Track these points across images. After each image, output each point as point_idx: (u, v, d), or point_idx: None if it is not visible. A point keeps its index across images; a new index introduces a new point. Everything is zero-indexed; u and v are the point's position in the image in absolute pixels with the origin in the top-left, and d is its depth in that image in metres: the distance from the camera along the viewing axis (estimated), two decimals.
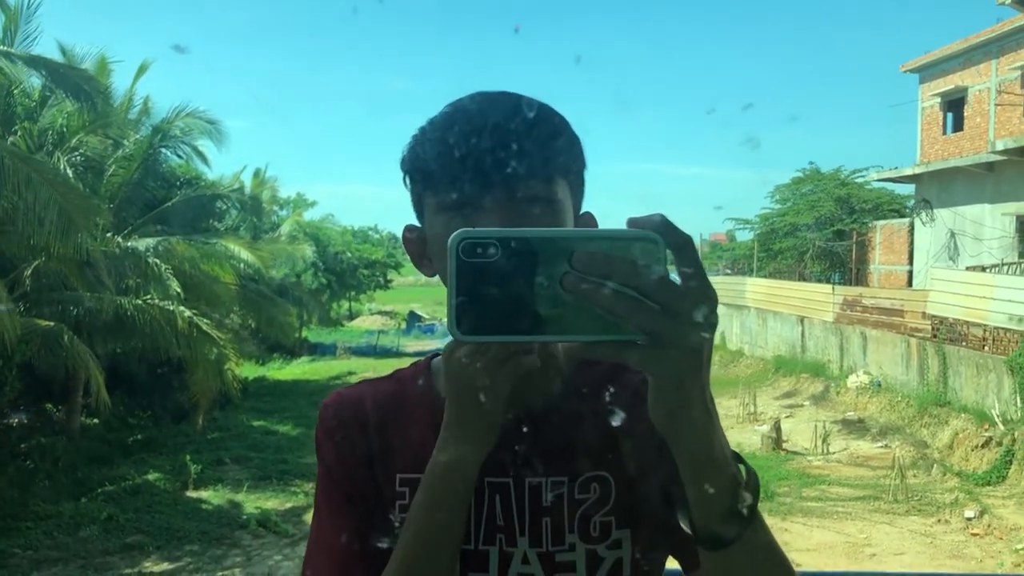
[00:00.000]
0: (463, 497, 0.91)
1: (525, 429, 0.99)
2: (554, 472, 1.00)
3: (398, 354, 31.20)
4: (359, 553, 0.99)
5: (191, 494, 13.94)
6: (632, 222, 0.69)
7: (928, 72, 25.21)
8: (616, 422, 1.01)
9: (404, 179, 1.01)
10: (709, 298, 0.69)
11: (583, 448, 1.00)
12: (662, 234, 0.68)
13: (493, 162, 0.89)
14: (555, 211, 0.93)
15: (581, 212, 1.00)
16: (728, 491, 0.77)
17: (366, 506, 1.01)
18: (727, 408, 19.77)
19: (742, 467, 0.79)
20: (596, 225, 1.00)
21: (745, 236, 38.48)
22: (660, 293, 0.67)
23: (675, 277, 0.69)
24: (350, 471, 1.03)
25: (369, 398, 1.06)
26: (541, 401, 1.01)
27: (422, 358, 1.12)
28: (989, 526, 11.33)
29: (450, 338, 0.76)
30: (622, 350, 0.69)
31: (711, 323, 0.69)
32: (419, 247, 1.01)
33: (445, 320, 0.71)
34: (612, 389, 1.04)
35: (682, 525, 0.82)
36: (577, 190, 0.98)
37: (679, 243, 0.68)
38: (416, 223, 1.02)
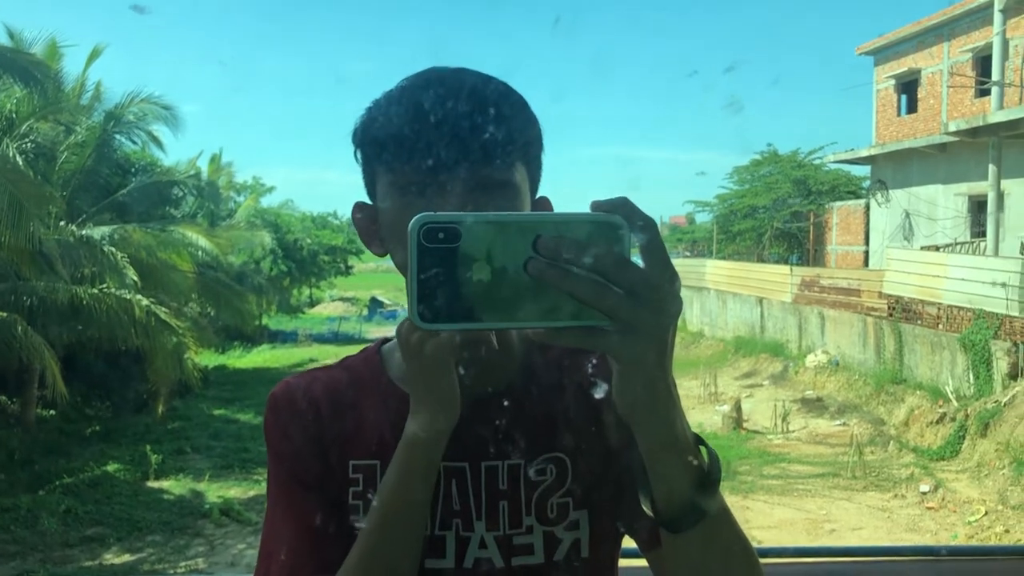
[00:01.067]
0: (429, 474, 0.90)
1: (480, 413, 0.98)
2: (510, 455, 0.99)
3: (360, 340, 31.00)
4: (315, 540, 0.98)
5: (152, 484, 13.80)
6: (596, 205, 0.68)
7: (882, 55, 25.54)
8: (570, 403, 1.01)
9: (355, 153, 0.98)
10: (673, 282, 0.69)
11: (538, 430, 1.00)
12: (626, 217, 0.68)
13: (455, 143, 0.87)
14: (514, 195, 0.92)
15: (537, 196, 0.99)
16: (690, 474, 0.77)
17: (320, 493, 0.99)
18: (688, 389, 19.96)
19: (703, 449, 0.79)
20: (551, 209, 0.99)
21: (704, 218, 38.79)
22: (625, 277, 0.66)
23: (637, 260, 0.69)
24: (302, 459, 1.01)
25: (319, 386, 1.04)
26: (496, 385, 1.00)
27: (373, 344, 1.11)
28: (943, 500, 11.60)
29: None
30: (588, 336, 0.69)
31: (675, 307, 0.69)
32: (370, 226, 0.99)
33: (406, 306, 0.70)
34: (566, 371, 1.03)
35: (644, 507, 0.82)
36: (535, 174, 0.97)
37: (643, 226, 0.68)
38: (366, 200, 1.00)
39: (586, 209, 0.68)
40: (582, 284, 0.66)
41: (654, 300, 0.67)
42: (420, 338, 0.85)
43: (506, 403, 1.00)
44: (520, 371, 1.03)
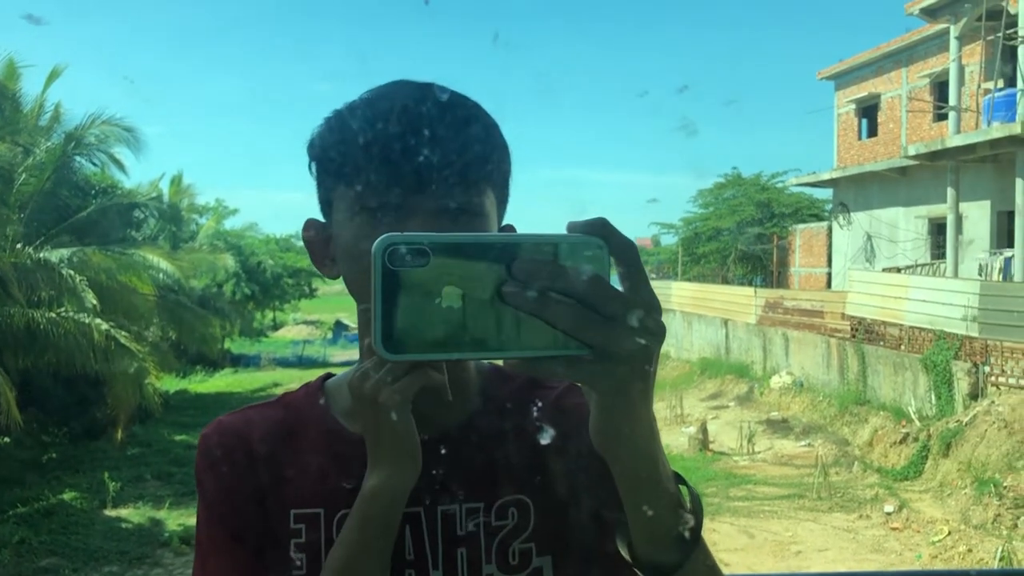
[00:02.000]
0: (389, 530, 0.84)
1: (435, 453, 0.90)
2: (469, 498, 0.92)
3: (324, 364, 30.77)
4: None
5: (110, 513, 13.49)
6: (573, 226, 0.63)
7: (843, 79, 25.98)
8: (534, 441, 0.94)
9: (310, 166, 0.91)
10: (655, 306, 0.64)
11: (499, 471, 0.93)
12: (605, 239, 0.63)
13: (424, 165, 0.82)
14: (483, 222, 0.86)
15: (503, 223, 0.93)
16: (671, 513, 0.72)
17: (255, 544, 0.91)
18: (654, 410, 19.99)
19: (684, 488, 0.75)
20: None
21: (669, 240, 39.13)
22: (605, 303, 0.61)
23: (616, 283, 0.64)
24: (236, 507, 0.93)
25: (256, 426, 0.96)
26: (452, 422, 0.94)
27: (315, 379, 1.02)
28: (907, 520, 11.67)
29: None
30: (567, 366, 0.63)
31: (659, 333, 0.64)
32: (322, 246, 0.92)
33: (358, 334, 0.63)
34: (529, 405, 0.97)
35: (621, 551, 0.76)
36: (502, 200, 0.91)
37: (622, 249, 0.63)
38: (319, 217, 0.93)
39: (560, 231, 0.64)
40: (560, 310, 0.61)
41: (637, 327, 0.62)
42: (374, 387, 0.78)
43: (464, 442, 0.93)
44: (480, 405, 0.96)
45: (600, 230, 0.63)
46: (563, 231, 0.64)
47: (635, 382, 0.64)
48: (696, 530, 0.74)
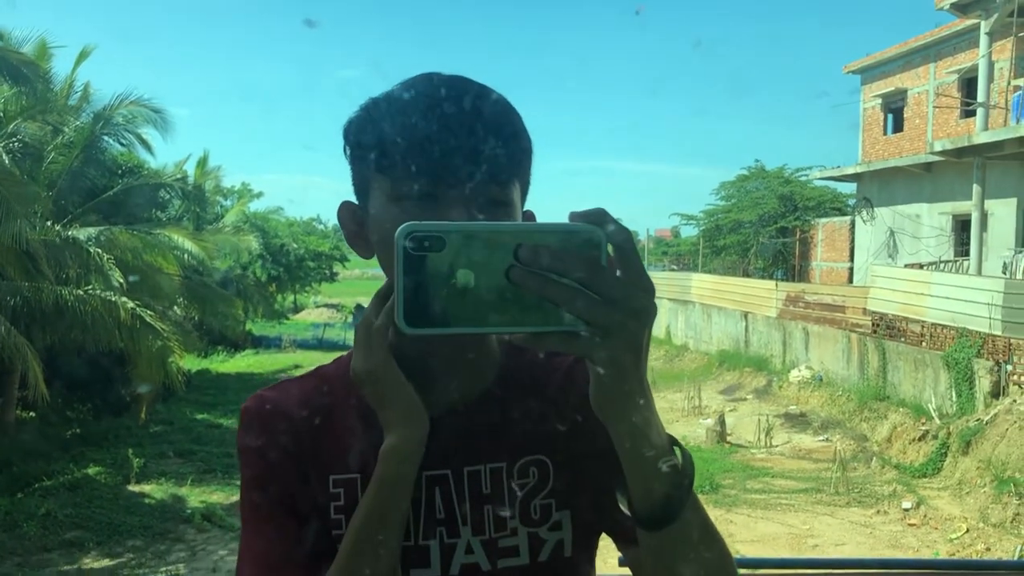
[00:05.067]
0: (405, 486, 0.90)
1: (461, 420, 0.98)
2: (492, 459, 0.99)
3: (344, 347, 30.85)
4: (294, 561, 0.96)
5: (133, 488, 13.69)
6: (574, 216, 0.71)
7: (869, 74, 25.77)
8: (549, 406, 1.02)
9: (345, 150, 0.97)
10: (647, 289, 0.72)
11: (519, 433, 1.00)
12: (602, 227, 0.71)
13: (458, 157, 0.88)
14: (510, 212, 0.92)
15: (524, 210, 0.99)
16: (666, 474, 0.79)
17: (298, 511, 0.97)
18: (672, 402, 20.01)
19: (678, 449, 0.82)
20: (535, 221, 1.00)
21: (690, 232, 38.97)
22: (602, 284, 0.69)
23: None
24: (278, 475, 0.98)
25: (294, 397, 1.02)
26: (475, 390, 1.01)
27: (347, 353, 1.07)
28: (925, 516, 11.67)
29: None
30: (566, 340, 0.72)
31: (649, 312, 0.72)
32: (357, 227, 0.98)
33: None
34: (543, 374, 1.04)
35: (621, 506, 0.84)
36: (526, 189, 0.97)
37: (618, 236, 0.71)
38: (354, 200, 0.99)
39: (565, 220, 0.71)
40: (561, 290, 0.69)
41: (629, 306, 0.70)
42: (362, 360, 0.89)
43: (486, 408, 1.00)
44: (499, 376, 1.03)
45: (598, 219, 0.71)
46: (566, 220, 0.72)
47: (627, 355, 0.72)
48: (688, 486, 0.81)
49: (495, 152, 0.89)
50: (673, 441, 0.82)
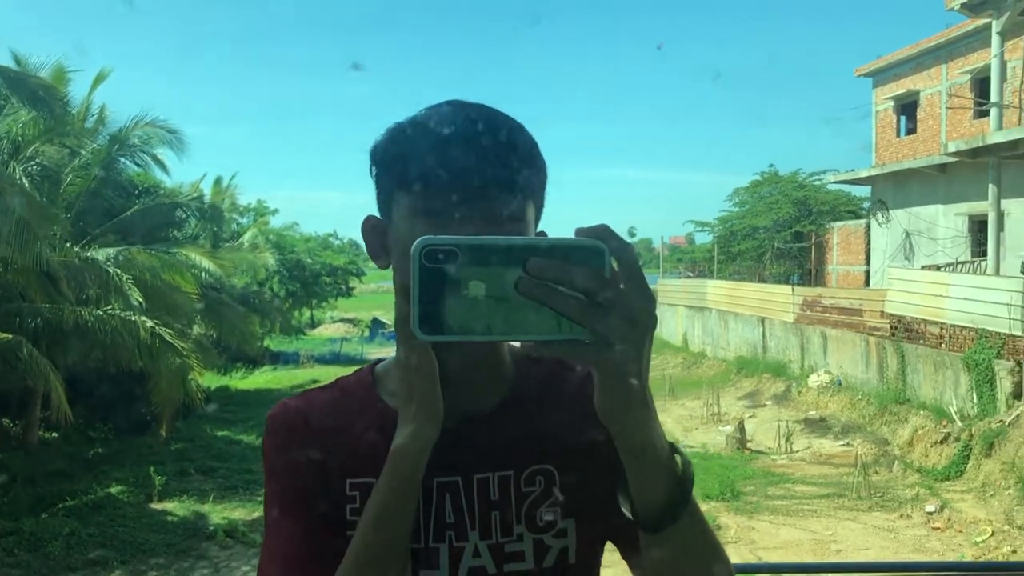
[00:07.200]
0: (414, 484, 0.94)
1: (473, 429, 1.03)
2: (501, 467, 1.04)
3: (362, 361, 30.44)
4: (314, 558, 1.01)
5: (155, 506, 13.76)
6: (579, 232, 0.76)
7: (881, 76, 25.71)
8: (558, 417, 1.06)
9: (371, 169, 1.03)
10: (648, 299, 0.76)
11: (528, 443, 1.05)
12: (605, 242, 0.75)
13: (479, 179, 0.93)
14: (524, 228, 0.98)
15: (537, 230, 1.04)
16: (666, 478, 0.84)
17: (317, 510, 1.03)
18: (691, 409, 19.95)
19: (678, 456, 0.86)
20: None
21: (704, 239, 38.90)
22: (605, 296, 0.74)
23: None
24: (299, 477, 1.04)
25: (315, 406, 1.09)
26: (489, 401, 1.06)
27: (367, 365, 1.15)
28: (949, 520, 11.58)
29: None
30: (572, 348, 0.76)
31: (650, 321, 0.77)
32: (380, 239, 1.04)
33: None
34: (554, 386, 1.09)
35: (624, 511, 0.87)
36: (539, 209, 1.03)
37: (621, 250, 0.75)
38: (376, 214, 1.05)
39: (571, 234, 0.76)
40: (567, 302, 0.73)
41: (631, 316, 0.75)
42: (408, 350, 0.92)
43: (497, 418, 1.05)
44: (512, 387, 1.08)
45: (601, 234, 0.75)
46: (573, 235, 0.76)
47: (629, 363, 0.76)
48: (688, 492, 0.86)
49: (511, 173, 0.95)
50: (673, 447, 0.86)
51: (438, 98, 1.01)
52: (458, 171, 0.93)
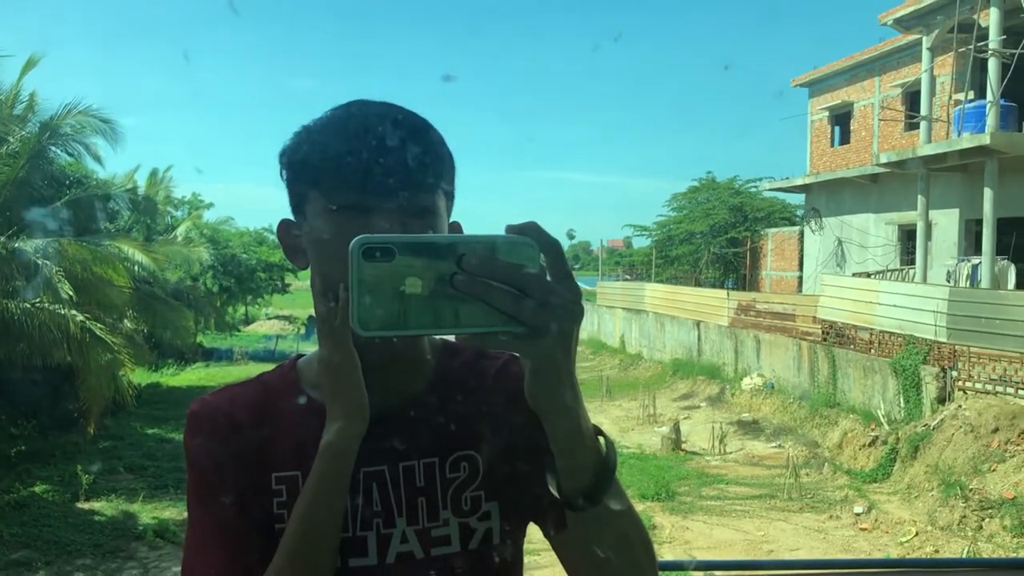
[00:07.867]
0: (343, 479, 0.98)
1: (397, 418, 1.06)
2: (425, 455, 1.07)
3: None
4: (236, 551, 1.02)
5: (82, 506, 13.37)
6: (510, 228, 0.79)
7: (817, 87, 26.31)
8: (481, 404, 1.10)
9: (282, 172, 1.04)
10: (575, 292, 0.80)
11: (451, 431, 1.08)
12: (535, 238, 0.78)
13: (387, 172, 0.96)
14: (437, 221, 1.01)
15: (451, 221, 1.07)
16: (592, 458, 0.87)
17: (241, 504, 1.04)
18: (627, 410, 20.16)
19: (602, 439, 0.89)
20: (462, 232, 1.09)
21: (642, 243, 39.36)
22: (536, 289, 0.77)
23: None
24: (222, 473, 1.05)
25: (237, 400, 1.10)
26: (411, 390, 1.09)
27: (288, 360, 1.17)
28: (876, 520, 11.89)
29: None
30: (506, 339, 0.79)
31: (577, 312, 0.80)
32: (295, 240, 1.06)
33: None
34: (475, 376, 1.13)
35: (552, 491, 0.91)
36: (451, 201, 1.06)
37: (549, 245, 0.79)
38: (291, 218, 1.06)
39: (501, 231, 0.79)
40: (500, 295, 0.77)
41: (560, 308, 0.78)
42: (331, 348, 0.97)
43: (420, 408, 1.08)
44: (432, 378, 1.11)
45: (530, 231, 0.79)
46: (503, 232, 0.79)
47: (558, 353, 0.80)
48: (612, 472, 0.89)
49: (416, 165, 0.98)
50: (598, 431, 0.89)
51: (373, 95, 1.04)
52: (368, 168, 0.96)
